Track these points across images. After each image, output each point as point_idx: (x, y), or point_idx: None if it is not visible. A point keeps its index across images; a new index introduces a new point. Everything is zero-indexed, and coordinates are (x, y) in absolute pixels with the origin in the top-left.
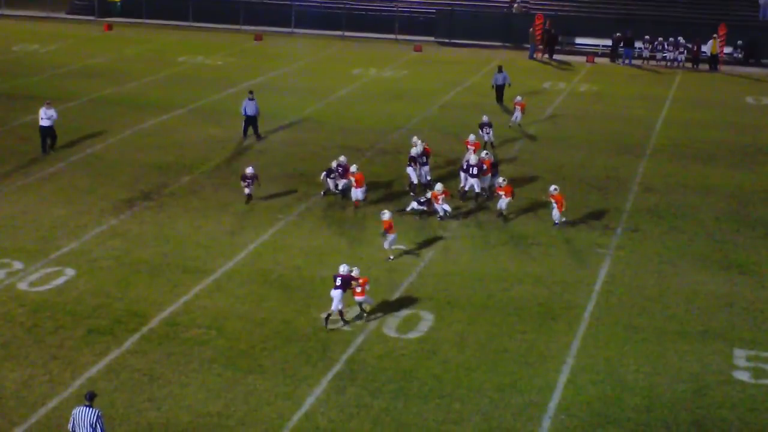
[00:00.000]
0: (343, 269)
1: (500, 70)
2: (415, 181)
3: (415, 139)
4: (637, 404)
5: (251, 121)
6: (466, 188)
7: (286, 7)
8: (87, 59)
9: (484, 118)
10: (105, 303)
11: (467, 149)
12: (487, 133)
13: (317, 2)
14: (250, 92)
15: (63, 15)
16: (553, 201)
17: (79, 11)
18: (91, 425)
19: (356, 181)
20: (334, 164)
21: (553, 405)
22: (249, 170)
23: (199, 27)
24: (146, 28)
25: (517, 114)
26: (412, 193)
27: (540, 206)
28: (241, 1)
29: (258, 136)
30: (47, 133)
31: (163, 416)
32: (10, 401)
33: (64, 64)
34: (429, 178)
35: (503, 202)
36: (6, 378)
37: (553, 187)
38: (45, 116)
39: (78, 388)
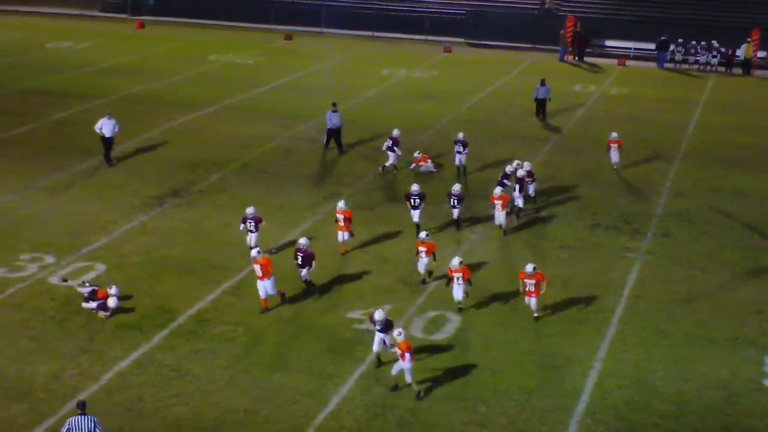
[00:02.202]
0: (377, 314)
1: (543, 83)
2: (520, 205)
3: (518, 164)
4: (665, 410)
5: (334, 133)
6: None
7: (317, 7)
8: (119, 57)
9: (459, 135)
10: (134, 298)
11: (494, 205)
12: (459, 152)
13: (347, 2)
14: (334, 104)
15: (96, 13)
16: (527, 282)
17: (112, 9)
18: (89, 431)
19: (261, 267)
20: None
21: (579, 409)
22: (85, 288)
23: (230, 26)
24: (178, 26)
25: (614, 153)
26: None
27: (569, 210)
28: (271, 0)
29: (340, 149)
30: (110, 143)
31: (190, 412)
32: (40, 393)
33: (97, 62)
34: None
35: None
36: (37, 371)
37: (531, 266)
38: (105, 127)
39: (107, 382)
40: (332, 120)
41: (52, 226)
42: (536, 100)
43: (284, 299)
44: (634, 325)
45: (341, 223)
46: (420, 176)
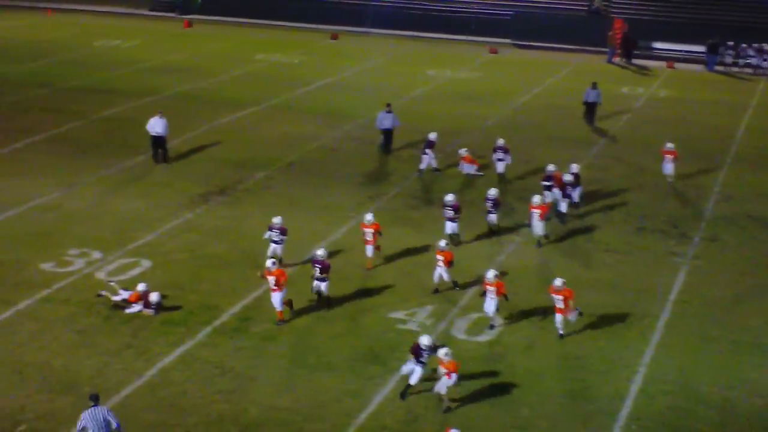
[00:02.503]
0: (423, 340)
1: (594, 86)
2: (564, 209)
3: (554, 167)
4: (710, 417)
5: (386, 134)
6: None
7: (362, 7)
8: (167, 55)
9: (499, 142)
10: (179, 295)
11: (531, 214)
12: (500, 160)
13: (393, 2)
14: (388, 105)
15: (145, 12)
16: (555, 297)
17: (161, 8)
18: (104, 420)
19: (276, 279)
20: (275, 219)
21: (623, 414)
22: (117, 297)
23: (277, 25)
24: (225, 25)
25: (669, 165)
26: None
27: (615, 213)
28: (317, 0)
29: (387, 150)
30: (159, 143)
31: (232, 409)
32: (85, 388)
33: (145, 60)
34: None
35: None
36: (82, 365)
37: (560, 281)
38: (157, 125)
39: (151, 378)
40: (384, 121)
41: (100, 223)
42: (586, 103)
43: (292, 309)
44: (680, 330)
45: (368, 237)
46: (463, 179)
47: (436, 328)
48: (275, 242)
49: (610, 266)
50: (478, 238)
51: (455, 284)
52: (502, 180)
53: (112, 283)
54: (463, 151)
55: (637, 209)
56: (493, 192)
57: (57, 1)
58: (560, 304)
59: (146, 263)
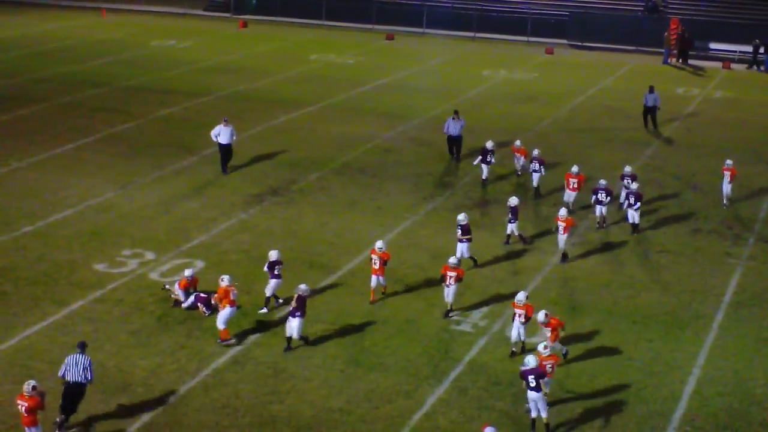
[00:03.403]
0: (531, 361)
1: (651, 90)
2: (636, 220)
3: (628, 169)
4: (765, 419)
5: (453, 141)
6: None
7: (419, 7)
8: (222, 55)
9: (534, 152)
10: None
11: (557, 226)
12: (535, 171)
13: (449, 3)
14: (455, 112)
15: (200, 12)
16: (545, 329)
17: (216, 8)
18: (84, 368)
19: (220, 296)
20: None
21: (677, 416)
22: (177, 294)
23: (332, 26)
24: (280, 25)
25: (727, 184)
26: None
27: (670, 215)
28: (373, 0)
29: (457, 158)
30: (227, 150)
31: (286, 409)
32: (138, 388)
33: (200, 60)
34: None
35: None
36: (136, 365)
37: (542, 314)
38: (222, 133)
39: (204, 378)
40: (450, 128)
41: (153, 223)
42: (645, 107)
43: (226, 341)
44: (735, 332)
45: (376, 266)
46: (516, 179)
47: (490, 329)
48: (273, 277)
49: (665, 267)
50: (524, 250)
51: (449, 312)
52: (536, 194)
53: (166, 286)
54: (518, 144)
55: (692, 210)
56: (514, 200)
57: (112, 1)
58: (551, 335)
59: (200, 264)
